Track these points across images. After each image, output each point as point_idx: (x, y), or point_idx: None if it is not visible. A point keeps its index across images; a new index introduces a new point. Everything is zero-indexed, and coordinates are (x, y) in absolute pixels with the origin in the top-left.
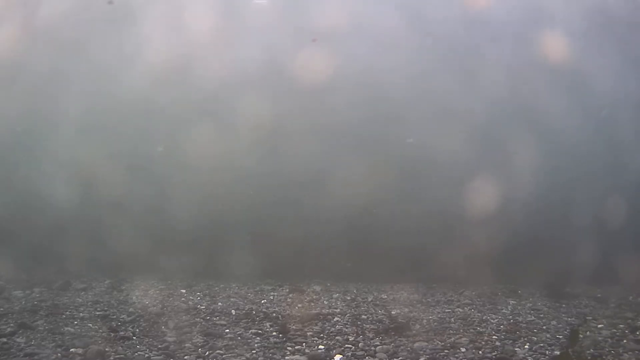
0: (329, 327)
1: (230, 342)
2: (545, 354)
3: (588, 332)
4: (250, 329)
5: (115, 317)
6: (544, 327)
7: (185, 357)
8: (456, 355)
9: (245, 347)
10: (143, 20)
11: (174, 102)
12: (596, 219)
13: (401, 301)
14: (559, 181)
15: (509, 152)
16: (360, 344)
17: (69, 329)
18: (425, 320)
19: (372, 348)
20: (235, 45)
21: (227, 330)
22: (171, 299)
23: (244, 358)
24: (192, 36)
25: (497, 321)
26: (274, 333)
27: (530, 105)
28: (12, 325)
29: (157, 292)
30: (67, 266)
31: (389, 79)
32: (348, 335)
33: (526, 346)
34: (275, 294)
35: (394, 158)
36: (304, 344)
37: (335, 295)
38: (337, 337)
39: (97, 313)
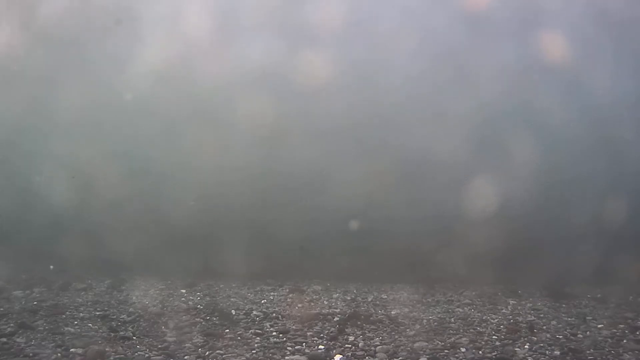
0: (329, 327)
1: (230, 342)
2: (545, 354)
3: (588, 332)
4: (250, 329)
5: (115, 317)
6: (544, 327)
7: (185, 357)
8: (456, 355)
9: (245, 347)
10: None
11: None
12: (596, 219)
13: (401, 301)
14: (559, 182)
15: (508, 153)
16: (360, 344)
17: (69, 329)
18: (425, 320)
19: (372, 348)
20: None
21: (227, 330)
22: (171, 299)
23: (244, 358)
24: (191, 38)
25: (497, 321)
26: (274, 333)
27: (535, 109)
28: (12, 325)
29: (157, 292)
30: (67, 266)
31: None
32: (348, 335)
33: (526, 346)
34: (275, 294)
35: (396, 160)
36: (304, 344)
37: (335, 295)
38: (337, 337)
39: (97, 313)
